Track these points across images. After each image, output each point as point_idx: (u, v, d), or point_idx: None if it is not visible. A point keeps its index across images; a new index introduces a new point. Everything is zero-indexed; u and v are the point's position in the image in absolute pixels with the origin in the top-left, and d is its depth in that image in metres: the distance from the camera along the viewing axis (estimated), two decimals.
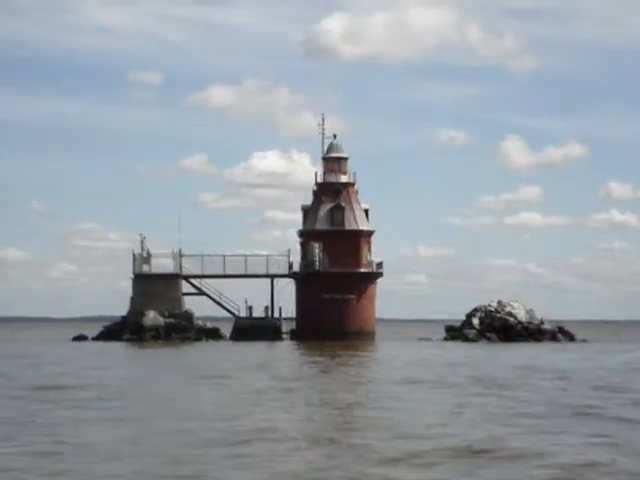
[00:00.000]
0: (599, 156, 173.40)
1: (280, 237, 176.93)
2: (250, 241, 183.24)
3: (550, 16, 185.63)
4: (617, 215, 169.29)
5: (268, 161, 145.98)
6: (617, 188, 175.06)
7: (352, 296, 67.89)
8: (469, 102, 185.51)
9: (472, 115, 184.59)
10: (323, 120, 71.59)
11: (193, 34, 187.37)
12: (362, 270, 68.51)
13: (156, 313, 65.48)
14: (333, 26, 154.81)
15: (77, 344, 65.39)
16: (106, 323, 70.84)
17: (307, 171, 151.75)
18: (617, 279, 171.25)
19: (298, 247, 70.98)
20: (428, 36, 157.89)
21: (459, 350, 57.72)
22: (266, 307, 70.12)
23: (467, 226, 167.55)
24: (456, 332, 74.75)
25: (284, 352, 54.90)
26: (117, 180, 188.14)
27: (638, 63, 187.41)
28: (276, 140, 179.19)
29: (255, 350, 55.23)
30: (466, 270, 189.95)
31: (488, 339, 69.21)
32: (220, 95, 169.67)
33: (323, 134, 71.45)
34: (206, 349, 56.90)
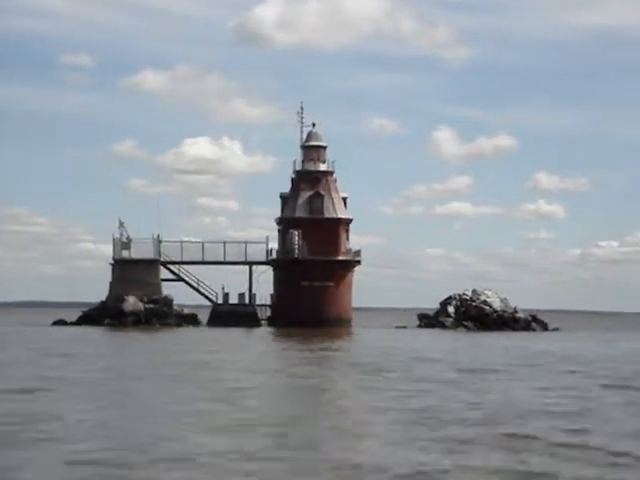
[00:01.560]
0: (528, 147, 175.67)
1: (211, 224, 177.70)
2: (181, 228, 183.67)
3: (482, 8, 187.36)
4: (544, 206, 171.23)
5: (199, 147, 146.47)
6: (545, 179, 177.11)
7: (331, 283, 68.48)
8: (401, 91, 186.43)
9: (404, 104, 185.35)
10: (302, 109, 72.18)
11: (127, 18, 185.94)
12: (341, 258, 69.11)
13: (136, 299, 65.71)
14: (267, 13, 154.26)
15: (59, 329, 65.08)
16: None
17: (238, 158, 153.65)
18: (543, 269, 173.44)
19: (275, 234, 71.59)
20: (361, 25, 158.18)
21: (452, 338, 57.36)
22: (240, 294, 70.56)
23: (398, 215, 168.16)
24: (430, 320, 75.60)
25: (267, 339, 55.34)
26: (47, 164, 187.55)
27: (567, 56, 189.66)
28: (207, 126, 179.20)
29: (243, 337, 55.67)
30: (397, 259, 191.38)
31: (465, 327, 70.07)
32: (152, 80, 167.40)
33: (302, 122, 72.00)
34: (194, 334, 57.09)
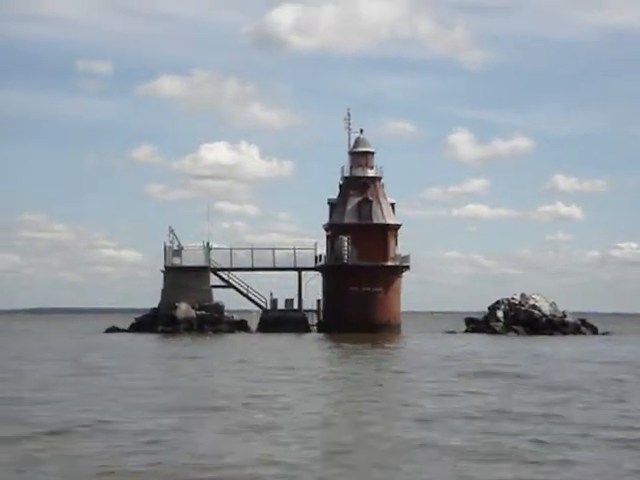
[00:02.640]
0: (545, 149, 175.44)
1: (229, 229, 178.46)
2: (198, 233, 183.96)
3: (499, 9, 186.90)
4: (562, 208, 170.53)
5: (217, 152, 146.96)
6: (562, 181, 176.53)
7: (380, 289, 68.72)
8: (418, 94, 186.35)
9: (421, 107, 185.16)
10: (349, 115, 72.46)
11: (143, 25, 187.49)
12: (390, 263, 69.35)
13: (188, 305, 66.28)
14: (283, 17, 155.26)
15: (122, 336, 65.24)
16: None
17: (256, 163, 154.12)
18: (561, 271, 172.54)
19: (324, 240, 71.90)
20: (378, 28, 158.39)
21: (512, 343, 56.70)
22: (287, 300, 70.93)
23: (415, 218, 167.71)
24: (478, 325, 75.57)
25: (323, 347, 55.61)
26: (65, 170, 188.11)
27: (584, 57, 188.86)
28: (225, 131, 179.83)
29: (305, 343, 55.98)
30: (414, 262, 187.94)
31: (516, 332, 70.03)
32: (169, 86, 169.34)
33: (349, 129, 72.31)
34: (272, 342, 57.46)
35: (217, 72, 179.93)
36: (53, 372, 31.75)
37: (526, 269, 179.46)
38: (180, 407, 21.59)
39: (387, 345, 52.55)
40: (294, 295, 70.99)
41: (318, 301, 71.73)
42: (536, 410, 21.17)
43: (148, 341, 56.56)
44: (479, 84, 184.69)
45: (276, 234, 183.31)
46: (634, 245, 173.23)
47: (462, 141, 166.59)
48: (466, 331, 76.19)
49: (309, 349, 49.13)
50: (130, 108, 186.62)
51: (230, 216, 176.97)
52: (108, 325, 73.82)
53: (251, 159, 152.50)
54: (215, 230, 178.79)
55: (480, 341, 60.10)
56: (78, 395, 24.14)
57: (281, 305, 70.76)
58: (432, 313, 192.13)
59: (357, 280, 68.07)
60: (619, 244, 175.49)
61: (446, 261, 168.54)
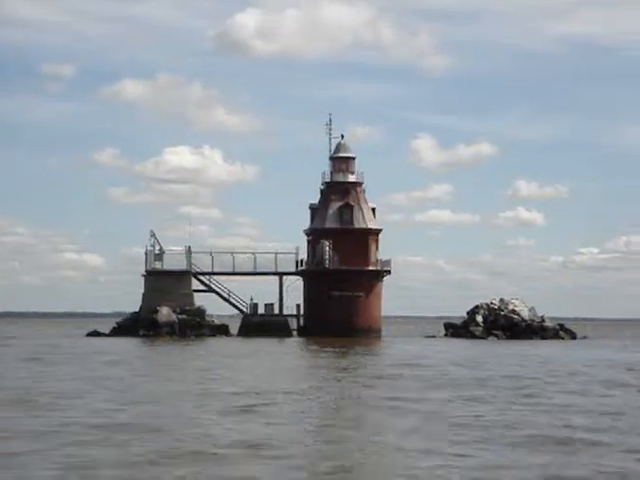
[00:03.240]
0: (507, 155, 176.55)
1: (193, 233, 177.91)
2: (161, 237, 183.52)
3: (462, 17, 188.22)
4: (524, 213, 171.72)
5: (180, 156, 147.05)
6: (524, 187, 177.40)
7: (361, 293, 68.93)
8: (381, 100, 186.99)
9: (385, 113, 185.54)
10: (330, 120, 72.67)
11: (107, 28, 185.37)
12: (371, 268, 69.59)
13: (169, 309, 66.26)
14: (246, 22, 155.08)
15: (100, 340, 65.19)
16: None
17: (219, 167, 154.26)
18: (522, 276, 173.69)
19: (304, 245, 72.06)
20: (342, 34, 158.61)
21: (494, 348, 57.04)
22: (267, 304, 71.00)
23: (378, 223, 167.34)
24: (457, 329, 76.01)
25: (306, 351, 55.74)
26: (27, 173, 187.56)
27: (547, 66, 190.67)
28: (188, 135, 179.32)
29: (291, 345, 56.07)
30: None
31: (496, 336, 70.46)
32: (132, 89, 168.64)
33: (330, 134, 72.53)
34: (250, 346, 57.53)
35: (181, 76, 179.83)
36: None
37: (488, 274, 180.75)
38: None
39: (376, 351, 52.60)
40: (273, 300, 71.16)
41: (297, 305, 71.80)
42: None
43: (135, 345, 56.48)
44: (442, 90, 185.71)
45: (238, 238, 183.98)
46: (595, 250, 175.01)
47: (425, 147, 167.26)
48: (445, 335, 76.68)
49: (288, 358, 48.57)
50: (93, 111, 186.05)
51: (193, 220, 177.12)
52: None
53: (214, 163, 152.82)
54: (178, 234, 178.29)
55: (460, 345, 60.30)
56: None
57: (261, 310, 70.82)
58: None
59: (338, 285, 68.26)
60: (580, 249, 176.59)
61: (411, 266, 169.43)
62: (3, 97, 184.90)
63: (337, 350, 50.17)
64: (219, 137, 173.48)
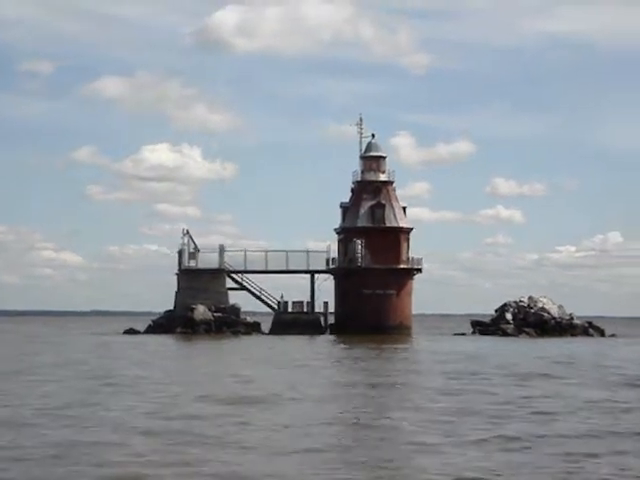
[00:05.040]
0: (486, 153, 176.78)
1: (170, 231, 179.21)
2: (139, 234, 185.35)
3: (442, 15, 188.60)
4: (503, 211, 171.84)
5: (159, 154, 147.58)
6: (502, 184, 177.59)
7: (393, 291, 69.66)
8: (361, 97, 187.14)
9: (363, 111, 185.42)
10: (361, 120, 73.46)
11: (86, 25, 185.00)
12: (403, 266, 70.32)
13: (205, 307, 67.09)
14: (226, 19, 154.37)
15: (137, 338, 65.94)
16: None
17: (198, 164, 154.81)
18: (500, 273, 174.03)
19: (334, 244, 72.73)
20: (322, 31, 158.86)
21: (544, 346, 56.42)
22: (294, 302, 71.51)
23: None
24: (485, 327, 76.57)
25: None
26: (5, 171, 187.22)
27: (525, 63, 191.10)
28: (167, 133, 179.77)
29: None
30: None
31: (527, 334, 71.11)
32: (111, 87, 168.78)
33: (361, 133, 73.33)
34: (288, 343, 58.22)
35: (160, 73, 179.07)
36: None
37: (466, 271, 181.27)
38: None
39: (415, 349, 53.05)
40: (302, 298, 71.88)
41: (325, 303, 72.46)
42: None
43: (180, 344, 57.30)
44: (422, 88, 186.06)
45: (217, 236, 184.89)
46: (572, 249, 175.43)
47: (404, 144, 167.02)
48: (473, 333, 77.19)
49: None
50: (72, 108, 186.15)
51: (171, 218, 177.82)
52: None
53: (193, 161, 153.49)
54: (156, 232, 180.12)
55: (517, 344, 60.27)
56: None
57: (290, 307, 71.49)
58: None
59: (370, 283, 68.98)
60: (557, 247, 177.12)
61: None
62: None
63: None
64: (198, 135, 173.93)
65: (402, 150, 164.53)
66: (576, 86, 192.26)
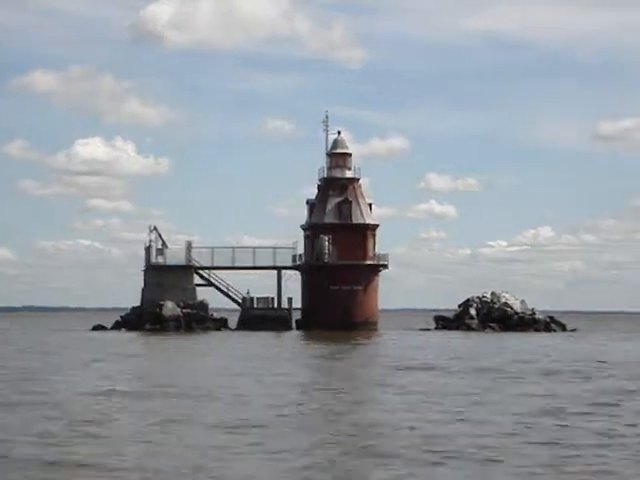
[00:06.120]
0: (420, 149, 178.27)
1: (103, 226, 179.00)
2: (72, 230, 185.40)
3: (378, 10, 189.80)
4: (436, 206, 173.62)
5: (91, 148, 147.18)
6: (436, 180, 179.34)
7: (360, 287, 70.30)
8: (295, 93, 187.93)
9: (298, 106, 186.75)
10: (327, 117, 73.93)
11: (17, 17, 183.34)
12: (369, 262, 70.98)
13: (174, 304, 67.27)
14: (160, 12, 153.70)
15: (105, 334, 65.94)
16: None
17: (132, 159, 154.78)
18: (433, 269, 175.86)
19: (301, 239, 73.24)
20: (257, 26, 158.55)
21: (508, 340, 57.95)
22: (258, 298, 71.83)
23: (293, 217, 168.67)
24: (449, 322, 77.43)
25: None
26: None
27: (460, 60, 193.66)
28: (100, 127, 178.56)
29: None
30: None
31: (492, 328, 72.10)
32: (43, 81, 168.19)
33: (327, 130, 73.82)
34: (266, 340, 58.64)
35: (93, 67, 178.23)
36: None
37: (400, 267, 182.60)
38: None
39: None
40: (267, 294, 72.23)
41: (289, 299, 72.77)
42: None
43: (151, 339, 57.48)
44: (356, 83, 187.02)
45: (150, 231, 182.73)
46: (503, 243, 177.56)
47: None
48: (436, 328, 78.00)
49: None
50: (3, 103, 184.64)
51: (105, 213, 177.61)
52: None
53: (127, 155, 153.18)
54: (89, 227, 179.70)
55: (490, 338, 61.47)
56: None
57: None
58: None
59: (337, 279, 69.55)
60: (489, 242, 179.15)
61: None
62: None
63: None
64: (132, 129, 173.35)
65: None
66: (510, 83, 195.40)
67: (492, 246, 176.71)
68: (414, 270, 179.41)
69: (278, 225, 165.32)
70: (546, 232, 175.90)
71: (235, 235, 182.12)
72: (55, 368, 33.04)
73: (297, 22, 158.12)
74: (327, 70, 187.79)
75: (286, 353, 43.97)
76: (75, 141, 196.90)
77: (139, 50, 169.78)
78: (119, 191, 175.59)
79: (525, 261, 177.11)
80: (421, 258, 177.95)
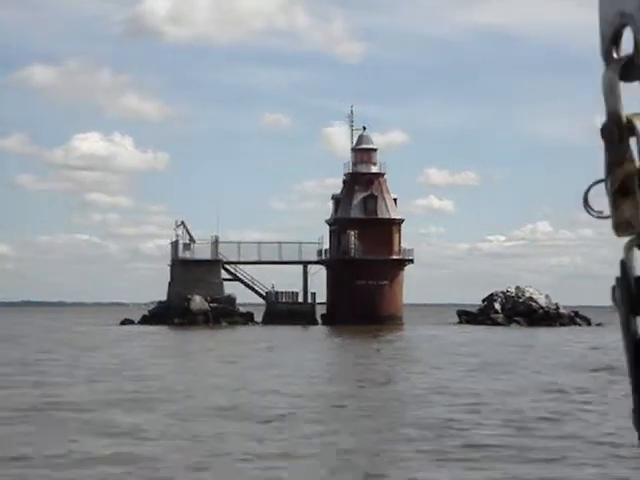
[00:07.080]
0: (419, 143, 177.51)
1: (102, 221, 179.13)
2: (70, 224, 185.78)
3: (377, 4, 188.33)
4: (435, 201, 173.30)
5: (90, 143, 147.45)
6: (435, 174, 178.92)
7: (386, 282, 70.61)
8: (294, 87, 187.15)
9: (298, 100, 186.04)
10: (352, 112, 74.29)
11: (14, 13, 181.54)
12: (395, 257, 71.30)
13: (202, 298, 67.72)
14: (158, 7, 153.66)
15: (129, 328, 66.61)
16: None
17: (130, 154, 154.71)
18: (432, 264, 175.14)
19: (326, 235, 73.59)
20: (255, 20, 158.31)
21: (542, 336, 57.64)
22: (283, 292, 72.19)
23: (291, 211, 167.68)
24: (473, 317, 77.63)
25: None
26: None
27: (457, 54, 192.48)
28: (98, 122, 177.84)
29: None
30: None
31: (517, 323, 72.32)
32: (41, 75, 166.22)
33: (352, 125, 74.17)
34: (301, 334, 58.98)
35: (90, 62, 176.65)
36: None
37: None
38: None
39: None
40: (294, 288, 72.71)
41: (313, 294, 73.12)
42: None
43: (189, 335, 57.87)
44: (355, 77, 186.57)
45: (150, 225, 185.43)
46: (502, 238, 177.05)
47: (338, 134, 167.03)
48: (459, 323, 78.18)
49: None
50: (1, 97, 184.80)
51: (103, 208, 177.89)
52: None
53: (125, 150, 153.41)
54: (87, 222, 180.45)
55: (522, 334, 61.36)
56: None
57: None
58: None
59: (363, 274, 69.83)
60: (488, 237, 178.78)
61: None
62: None
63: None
64: (130, 124, 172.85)
65: (336, 140, 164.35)
66: (509, 77, 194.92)
67: (490, 241, 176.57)
68: (414, 266, 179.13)
69: (278, 219, 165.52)
70: (544, 227, 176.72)
71: (237, 229, 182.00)
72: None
73: (295, 16, 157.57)
74: (325, 64, 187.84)
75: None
76: (73, 136, 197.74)
77: (137, 45, 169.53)
78: (117, 186, 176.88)
79: (522, 256, 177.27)
80: (419, 254, 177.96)
